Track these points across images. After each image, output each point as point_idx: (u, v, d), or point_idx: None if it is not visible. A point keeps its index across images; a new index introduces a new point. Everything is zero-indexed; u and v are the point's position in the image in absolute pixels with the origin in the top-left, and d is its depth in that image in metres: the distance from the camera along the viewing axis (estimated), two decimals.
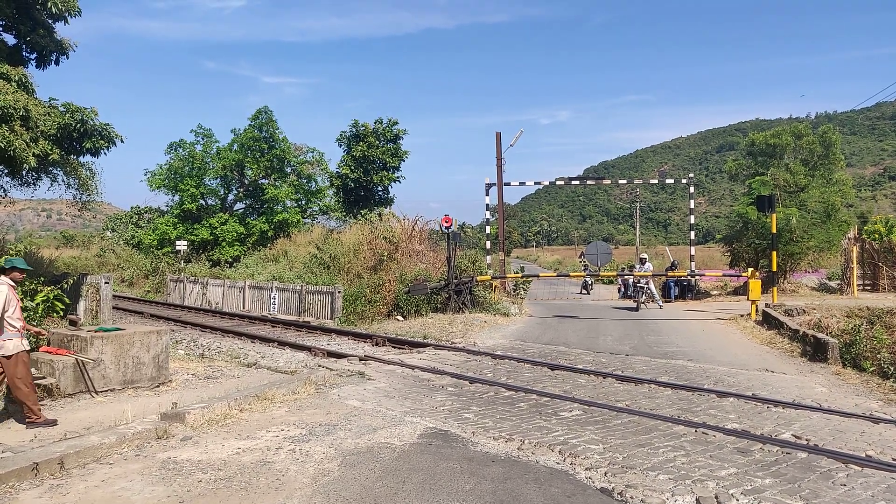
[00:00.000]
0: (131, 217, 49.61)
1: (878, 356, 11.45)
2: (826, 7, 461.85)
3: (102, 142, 16.26)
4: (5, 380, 7.12)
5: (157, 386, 9.39)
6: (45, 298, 11.83)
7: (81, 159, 17.30)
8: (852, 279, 23.31)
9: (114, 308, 18.71)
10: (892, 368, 11.06)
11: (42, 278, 12.90)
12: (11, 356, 7.02)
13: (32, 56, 17.12)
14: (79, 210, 19.17)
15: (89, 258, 42.48)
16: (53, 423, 7.11)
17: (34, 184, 17.61)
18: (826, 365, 11.45)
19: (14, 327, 7.09)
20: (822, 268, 29.64)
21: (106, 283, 16.29)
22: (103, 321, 15.21)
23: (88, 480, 5.56)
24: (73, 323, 9.73)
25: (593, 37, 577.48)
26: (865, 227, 35.55)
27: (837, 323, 13.94)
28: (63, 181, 17.65)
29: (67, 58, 17.52)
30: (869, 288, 24.69)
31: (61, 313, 13.11)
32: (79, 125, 15.63)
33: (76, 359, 8.61)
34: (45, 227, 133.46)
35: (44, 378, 8.40)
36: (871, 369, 11.21)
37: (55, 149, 15.23)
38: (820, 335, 12.55)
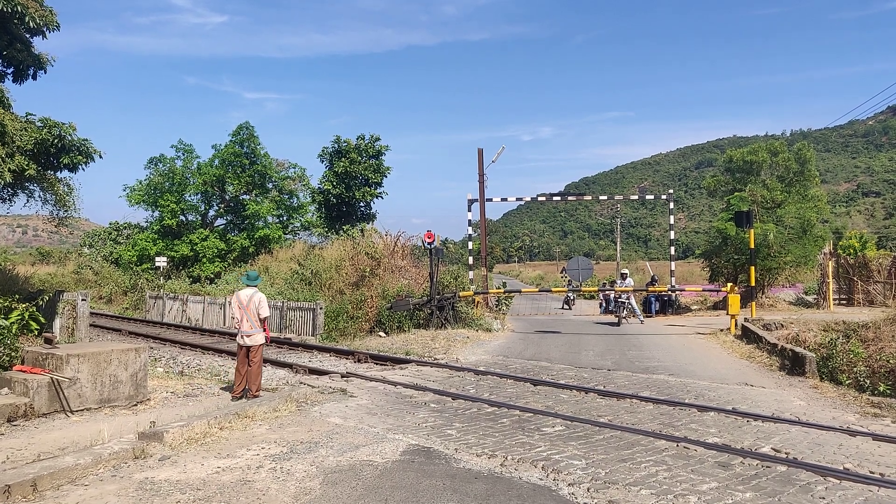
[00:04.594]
0: (110, 233, 49.03)
1: (854, 370, 11.62)
2: (800, 26, 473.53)
3: (81, 157, 16.07)
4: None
5: (135, 405, 9.24)
6: (19, 316, 11.64)
7: (59, 175, 17.08)
8: (828, 294, 23.68)
9: (91, 325, 18.42)
10: (867, 382, 11.24)
11: (17, 295, 12.70)
12: (258, 346, 9.82)
13: (9, 70, 16.93)
14: (55, 226, 18.86)
15: (66, 275, 41.84)
16: (259, 396, 9.52)
17: (10, 200, 17.31)
18: (804, 378, 11.59)
19: (261, 326, 9.88)
20: (798, 282, 30.11)
21: (83, 300, 16.03)
22: (80, 339, 14.96)
23: (62, 502, 5.44)
24: (48, 341, 9.54)
25: (574, 55, 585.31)
26: (840, 243, 36.18)
27: (814, 337, 14.14)
28: (40, 197, 17.38)
29: (45, 72, 17.34)
30: (844, 302, 25.08)
31: (36, 332, 12.89)
32: (56, 140, 15.44)
33: (51, 377, 8.45)
34: (21, 244, 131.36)
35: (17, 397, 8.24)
36: (847, 382, 11.38)
37: (32, 164, 15.01)
38: (798, 349, 12.71)
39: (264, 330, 10.05)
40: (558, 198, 30.88)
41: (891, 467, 6.48)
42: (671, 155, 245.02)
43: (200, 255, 37.61)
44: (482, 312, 22.58)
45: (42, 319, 13.80)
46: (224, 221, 41.59)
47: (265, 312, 9.89)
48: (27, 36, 16.54)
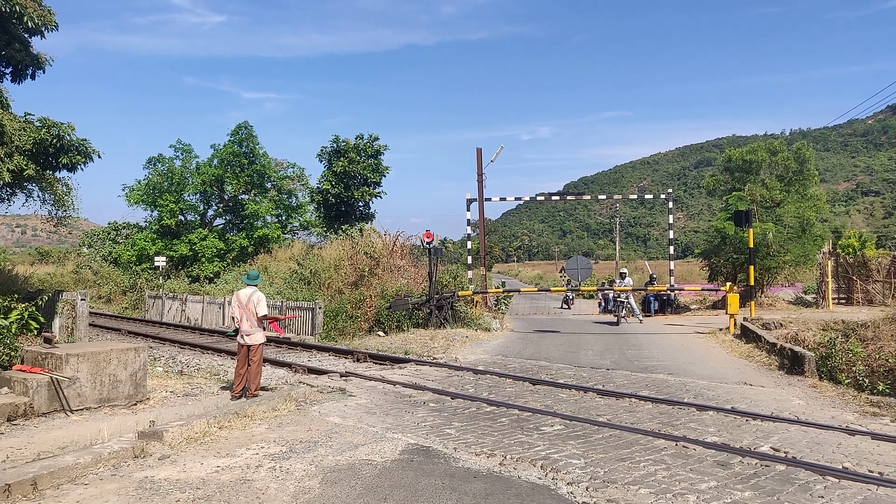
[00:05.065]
0: (109, 233, 48.98)
1: (854, 369, 11.63)
2: (799, 26, 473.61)
3: (79, 157, 16.06)
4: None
5: (135, 404, 9.25)
6: (19, 316, 11.65)
7: (58, 175, 17.05)
8: (827, 293, 23.70)
9: (91, 325, 18.41)
10: (866, 381, 11.25)
11: (16, 295, 12.69)
12: (258, 345, 9.82)
13: (7, 70, 16.90)
14: (54, 226, 18.83)
15: (65, 274, 41.81)
16: (258, 396, 9.54)
17: (8, 199, 17.29)
18: (803, 378, 11.60)
19: (260, 325, 9.91)
20: (798, 282, 30.13)
21: (82, 299, 16.03)
22: (79, 338, 14.96)
23: (62, 501, 5.44)
24: (47, 340, 9.55)
25: (573, 55, 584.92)
26: (839, 242, 36.11)
27: (813, 336, 14.15)
28: (38, 197, 17.35)
29: (44, 72, 17.31)
30: (844, 301, 25.12)
31: (35, 331, 12.89)
32: (55, 140, 15.43)
33: (51, 377, 8.45)
34: (20, 243, 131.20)
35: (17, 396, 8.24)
36: (846, 382, 11.39)
37: (30, 164, 15.00)
38: (797, 348, 12.72)
39: (267, 327, 10.06)
40: (557, 197, 30.87)
41: (889, 466, 6.50)
42: (670, 154, 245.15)
43: (199, 255, 37.57)
44: (481, 312, 22.59)
45: (41, 319, 13.80)
46: (223, 221, 41.54)
47: (263, 311, 9.92)
48: (26, 36, 16.52)
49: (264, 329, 10.07)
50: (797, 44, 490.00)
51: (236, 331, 10.00)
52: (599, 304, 30.48)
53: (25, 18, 15.42)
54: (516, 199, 28.26)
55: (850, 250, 30.30)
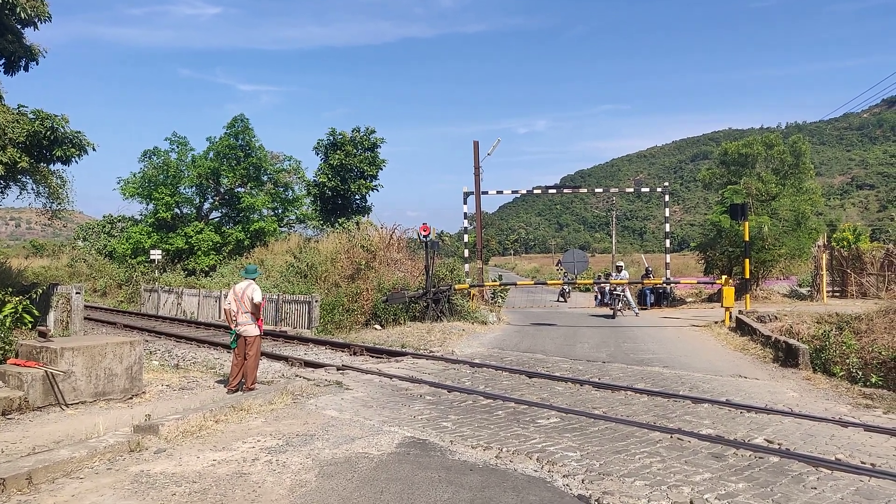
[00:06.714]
0: (103, 226, 48.82)
1: (847, 361, 11.69)
2: (796, 20, 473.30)
3: (73, 150, 15.95)
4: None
5: (131, 398, 9.24)
6: (13, 310, 11.61)
7: (52, 167, 16.97)
8: (822, 286, 23.76)
9: (86, 319, 18.38)
10: (860, 373, 11.31)
11: (10, 289, 12.64)
12: (254, 338, 9.83)
13: (0, 62, 16.80)
14: (49, 219, 18.73)
15: (60, 268, 41.66)
16: (254, 389, 9.55)
17: (2, 192, 17.20)
18: (797, 370, 11.65)
19: (256, 318, 9.89)
20: (793, 275, 30.19)
21: (77, 293, 15.99)
22: (74, 332, 14.93)
23: (58, 496, 5.43)
24: (42, 334, 9.53)
25: (570, 48, 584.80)
26: (834, 235, 36.27)
27: (808, 329, 14.20)
28: (33, 189, 17.25)
29: (37, 64, 17.19)
30: (838, 294, 25.18)
31: (30, 325, 12.85)
32: (49, 133, 15.33)
33: (45, 371, 8.43)
34: (14, 237, 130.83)
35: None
36: (840, 374, 11.44)
37: (24, 157, 14.90)
38: (791, 341, 12.77)
39: (258, 322, 9.99)
40: (554, 190, 30.92)
41: (882, 457, 6.54)
42: (667, 148, 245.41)
43: (195, 248, 37.46)
44: (478, 305, 22.60)
45: (36, 312, 13.75)
46: (219, 214, 41.39)
47: (258, 298, 9.87)
48: (18, 27, 16.39)
49: (259, 320, 10.01)
50: (793, 37, 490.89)
51: (235, 332, 9.96)
52: (596, 298, 30.52)
53: (18, 9, 15.29)
54: (513, 192, 28.25)
55: (845, 243, 30.41)
